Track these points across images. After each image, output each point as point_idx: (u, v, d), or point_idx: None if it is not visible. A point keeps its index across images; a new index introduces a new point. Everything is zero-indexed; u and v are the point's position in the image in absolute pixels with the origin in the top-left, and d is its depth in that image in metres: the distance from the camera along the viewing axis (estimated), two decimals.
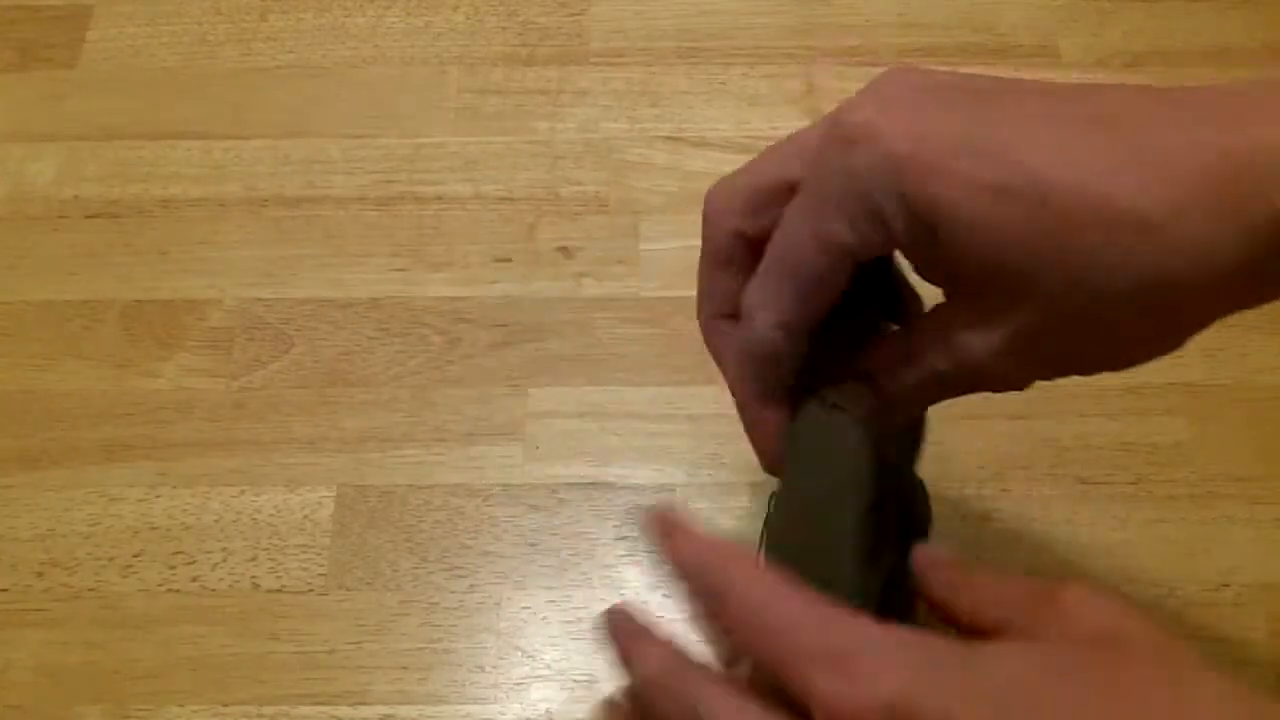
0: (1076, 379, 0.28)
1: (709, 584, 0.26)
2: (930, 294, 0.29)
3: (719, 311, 0.31)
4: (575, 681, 0.42)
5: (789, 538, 0.30)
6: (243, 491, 0.45)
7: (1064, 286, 0.24)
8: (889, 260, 0.30)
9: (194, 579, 0.44)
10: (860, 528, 0.28)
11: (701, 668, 0.26)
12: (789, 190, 0.28)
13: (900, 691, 0.22)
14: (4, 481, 0.46)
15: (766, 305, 0.28)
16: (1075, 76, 0.55)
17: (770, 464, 0.32)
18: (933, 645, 0.24)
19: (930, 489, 0.35)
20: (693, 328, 0.32)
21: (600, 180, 0.52)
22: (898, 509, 0.31)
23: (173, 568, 0.44)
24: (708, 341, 0.32)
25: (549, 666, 0.42)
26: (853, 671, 0.23)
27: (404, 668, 0.42)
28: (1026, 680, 0.23)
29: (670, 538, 0.27)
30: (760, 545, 0.31)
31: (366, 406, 0.47)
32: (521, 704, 0.41)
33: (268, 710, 0.41)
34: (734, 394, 0.31)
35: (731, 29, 0.57)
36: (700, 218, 0.31)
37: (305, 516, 0.45)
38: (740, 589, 0.25)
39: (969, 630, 0.27)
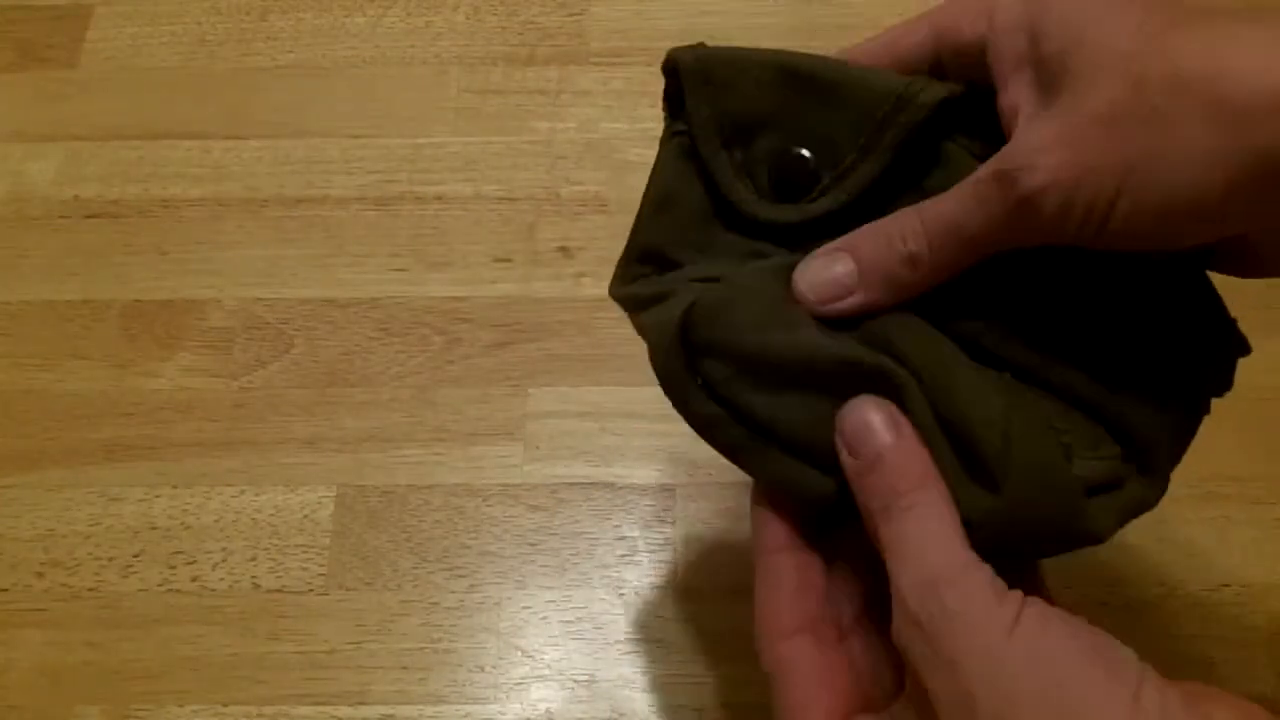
0: None
1: None
2: None
3: None
4: (575, 681, 0.42)
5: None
6: (243, 491, 0.45)
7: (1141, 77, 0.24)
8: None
9: (194, 579, 0.44)
10: None
11: None
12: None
13: None
14: (4, 481, 0.46)
15: None
16: None
17: None
18: None
19: None
20: None
21: (600, 180, 0.52)
22: None
23: (173, 568, 0.44)
24: None
25: (549, 666, 0.42)
26: None
27: (404, 668, 0.42)
28: None
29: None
30: None
31: (366, 406, 0.47)
32: (521, 704, 0.41)
33: (268, 710, 0.41)
34: None
35: (731, 29, 0.57)
36: None
37: (305, 516, 0.45)
38: None
39: None
